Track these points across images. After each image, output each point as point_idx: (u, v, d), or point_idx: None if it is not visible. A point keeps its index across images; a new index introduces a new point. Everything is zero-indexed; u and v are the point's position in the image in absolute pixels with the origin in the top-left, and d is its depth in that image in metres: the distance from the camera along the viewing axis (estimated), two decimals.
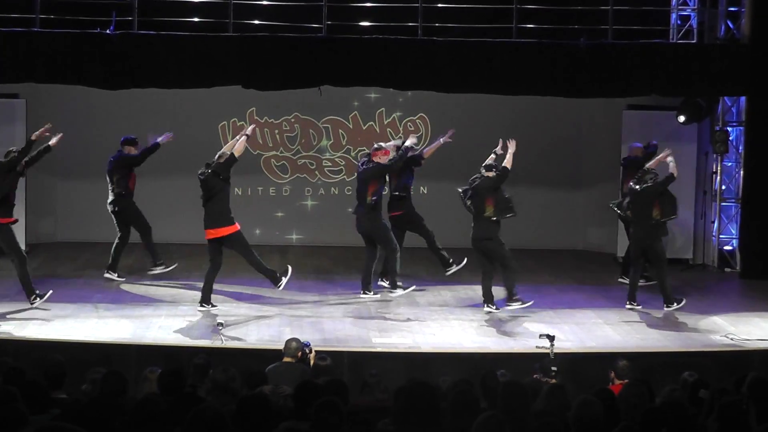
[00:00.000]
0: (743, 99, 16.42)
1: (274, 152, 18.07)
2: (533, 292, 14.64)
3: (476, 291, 14.12)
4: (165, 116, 17.73)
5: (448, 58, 15.14)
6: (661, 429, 6.74)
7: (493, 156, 13.55)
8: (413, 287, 14.25)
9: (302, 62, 14.98)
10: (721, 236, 16.81)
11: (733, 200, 16.80)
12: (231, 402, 7.39)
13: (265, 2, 15.72)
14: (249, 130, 13.64)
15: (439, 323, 12.99)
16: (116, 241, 14.79)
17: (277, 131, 18.06)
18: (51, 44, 14.78)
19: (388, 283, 14.35)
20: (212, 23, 15.39)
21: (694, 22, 16.42)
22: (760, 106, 15.90)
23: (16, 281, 13.22)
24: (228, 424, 6.03)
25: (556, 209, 18.17)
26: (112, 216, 14.72)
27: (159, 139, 14.86)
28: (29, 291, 13.08)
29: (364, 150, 17.99)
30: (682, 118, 16.55)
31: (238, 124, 17.91)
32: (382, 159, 13.95)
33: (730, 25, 16.30)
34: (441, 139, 14.73)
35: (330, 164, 18.13)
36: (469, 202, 13.40)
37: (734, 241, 16.71)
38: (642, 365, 10.98)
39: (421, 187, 18.00)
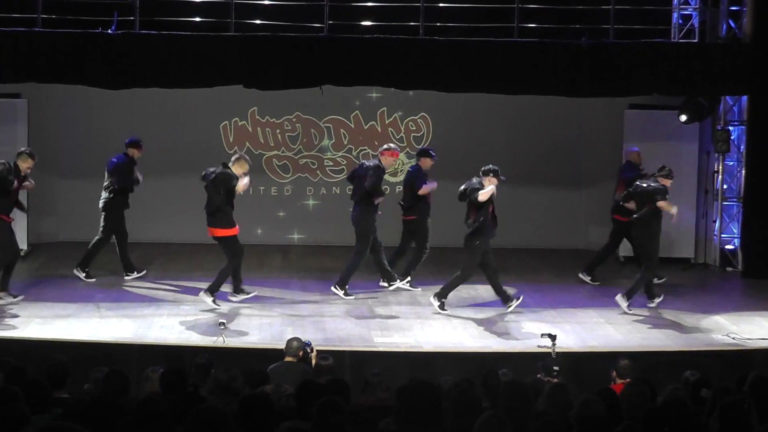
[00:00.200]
0: (745, 98, 16.41)
1: (275, 152, 18.06)
2: (535, 291, 14.66)
3: (478, 291, 14.14)
4: (166, 116, 17.74)
5: (450, 57, 15.14)
6: (663, 428, 6.74)
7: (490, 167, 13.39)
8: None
9: (304, 62, 14.98)
10: (722, 235, 16.80)
11: (734, 199, 16.80)
12: (233, 401, 7.39)
13: (266, 2, 15.72)
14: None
15: (441, 322, 12.99)
16: (116, 244, 14.81)
17: (278, 131, 18.06)
18: (53, 44, 14.77)
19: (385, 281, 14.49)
20: (214, 23, 15.39)
21: (695, 21, 16.41)
22: (761, 106, 15.89)
23: (20, 280, 13.22)
24: (230, 424, 6.04)
25: (557, 208, 18.17)
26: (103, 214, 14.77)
27: (140, 178, 14.89)
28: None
29: (366, 150, 18.07)
30: (683, 118, 16.54)
31: (240, 123, 17.93)
32: (387, 160, 14.00)
33: (732, 25, 16.29)
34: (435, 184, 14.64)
35: (331, 164, 18.13)
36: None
37: (736, 241, 16.70)
38: (644, 364, 10.99)
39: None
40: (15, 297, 13.20)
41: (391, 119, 18.11)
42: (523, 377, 9.26)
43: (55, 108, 17.43)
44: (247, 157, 13.74)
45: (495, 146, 17.99)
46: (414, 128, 18.10)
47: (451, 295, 13.46)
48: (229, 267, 13.37)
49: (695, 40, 16.22)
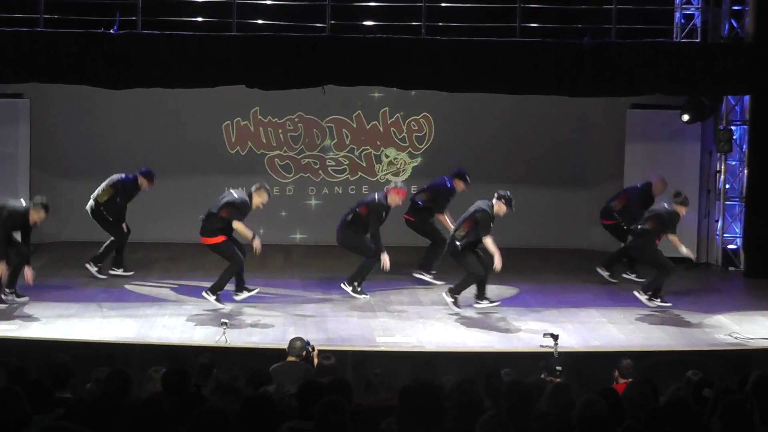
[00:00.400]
0: (747, 98, 16.41)
1: (277, 152, 18.07)
2: (537, 291, 14.69)
3: None
4: (168, 116, 17.75)
5: (452, 57, 15.15)
6: (665, 428, 6.74)
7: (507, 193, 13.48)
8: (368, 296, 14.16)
9: (306, 61, 14.99)
10: (725, 235, 16.80)
11: (737, 199, 16.79)
12: (235, 401, 7.39)
13: (268, 2, 15.72)
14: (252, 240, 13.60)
15: (443, 322, 12.99)
16: (110, 242, 14.82)
17: (280, 131, 18.06)
18: (55, 44, 14.78)
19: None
20: (216, 23, 15.39)
21: (697, 21, 16.40)
22: (764, 105, 15.89)
23: (22, 280, 13.21)
24: (232, 424, 6.04)
25: (560, 208, 18.16)
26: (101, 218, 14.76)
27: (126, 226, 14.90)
28: None
29: (368, 149, 18.08)
30: (685, 117, 16.54)
31: (242, 123, 17.93)
32: (393, 198, 13.96)
33: (734, 24, 16.28)
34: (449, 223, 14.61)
35: (334, 163, 18.13)
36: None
37: (738, 240, 16.70)
38: (646, 364, 10.99)
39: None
40: (20, 297, 13.18)
41: (393, 119, 18.11)
42: (525, 377, 9.25)
43: (57, 108, 17.44)
44: (269, 188, 13.68)
45: (497, 146, 18.00)
46: (416, 128, 18.11)
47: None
48: (232, 267, 13.35)
49: (697, 40, 16.21)
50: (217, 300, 13.28)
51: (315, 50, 15.02)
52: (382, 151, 18.13)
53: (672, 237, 13.64)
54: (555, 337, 11.05)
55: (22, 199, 13.65)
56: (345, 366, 10.91)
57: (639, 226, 13.89)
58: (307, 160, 18.10)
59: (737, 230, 16.75)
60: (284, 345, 10.46)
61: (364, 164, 18.14)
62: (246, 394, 7.61)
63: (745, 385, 7.84)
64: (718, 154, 16.77)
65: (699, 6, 16.44)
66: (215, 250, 13.54)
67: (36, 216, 12.99)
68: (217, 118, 17.87)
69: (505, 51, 15.23)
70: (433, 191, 15.08)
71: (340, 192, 18.04)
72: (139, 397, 7.40)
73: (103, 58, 14.76)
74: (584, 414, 6.68)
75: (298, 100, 17.19)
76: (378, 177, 18.11)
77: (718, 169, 16.85)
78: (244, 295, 13.52)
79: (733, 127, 16.65)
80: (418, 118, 18.11)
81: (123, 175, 14.88)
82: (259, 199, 13.50)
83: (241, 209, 13.42)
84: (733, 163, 16.85)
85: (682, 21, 16.44)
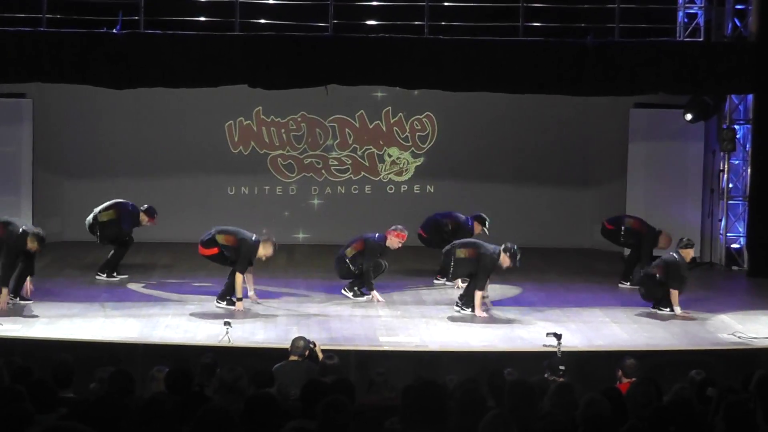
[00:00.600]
0: (750, 97, 16.39)
1: (280, 151, 18.07)
2: (540, 290, 14.68)
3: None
4: (171, 116, 17.76)
5: (455, 56, 15.14)
6: (669, 427, 6.73)
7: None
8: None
9: (308, 61, 14.99)
10: (728, 234, 16.79)
11: (740, 198, 16.78)
12: (238, 401, 7.38)
13: (271, 1, 15.72)
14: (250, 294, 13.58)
15: (446, 322, 12.99)
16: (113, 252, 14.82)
17: (283, 130, 18.06)
18: (57, 44, 14.79)
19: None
20: (218, 22, 15.40)
21: (701, 20, 16.39)
22: (767, 104, 15.87)
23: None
24: (235, 424, 6.03)
25: (563, 208, 18.16)
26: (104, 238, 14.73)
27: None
28: None
29: (370, 149, 18.08)
30: (689, 117, 16.52)
31: (245, 123, 17.94)
32: (393, 241, 13.90)
33: (737, 23, 16.27)
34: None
35: (336, 163, 18.13)
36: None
37: (742, 240, 16.68)
38: (649, 364, 10.96)
39: (428, 186, 18.05)
40: (24, 300, 13.16)
41: (396, 118, 18.11)
42: (528, 377, 9.24)
43: (59, 108, 17.44)
44: (276, 242, 13.45)
45: (500, 145, 18.00)
46: (419, 127, 18.11)
47: (456, 294, 13.63)
48: (238, 270, 13.28)
49: (701, 39, 16.20)
50: (229, 303, 13.24)
51: (317, 50, 15.02)
52: (385, 150, 18.14)
53: (673, 291, 13.51)
54: (558, 337, 11.04)
55: (23, 226, 13.34)
56: (348, 365, 10.90)
57: (645, 272, 13.80)
58: (309, 159, 18.10)
59: (740, 230, 16.73)
60: (287, 344, 10.46)
61: (367, 164, 18.14)
62: (249, 393, 7.60)
63: (749, 385, 7.83)
64: (722, 154, 16.75)
65: (702, 5, 16.43)
66: (212, 259, 13.59)
67: (31, 245, 12.92)
68: (219, 118, 17.87)
69: (507, 50, 15.22)
70: (454, 223, 15.02)
71: (343, 192, 18.05)
72: (142, 397, 7.40)
73: (106, 57, 14.77)
74: (587, 413, 6.67)
75: (300, 99, 17.20)
76: (381, 176, 18.13)
77: (721, 168, 16.83)
78: (223, 304, 13.37)
79: (736, 126, 16.63)
80: (420, 117, 18.11)
81: (128, 204, 14.78)
82: (263, 251, 13.34)
83: (251, 260, 13.32)
84: (737, 162, 16.84)
85: (686, 20, 16.45)
